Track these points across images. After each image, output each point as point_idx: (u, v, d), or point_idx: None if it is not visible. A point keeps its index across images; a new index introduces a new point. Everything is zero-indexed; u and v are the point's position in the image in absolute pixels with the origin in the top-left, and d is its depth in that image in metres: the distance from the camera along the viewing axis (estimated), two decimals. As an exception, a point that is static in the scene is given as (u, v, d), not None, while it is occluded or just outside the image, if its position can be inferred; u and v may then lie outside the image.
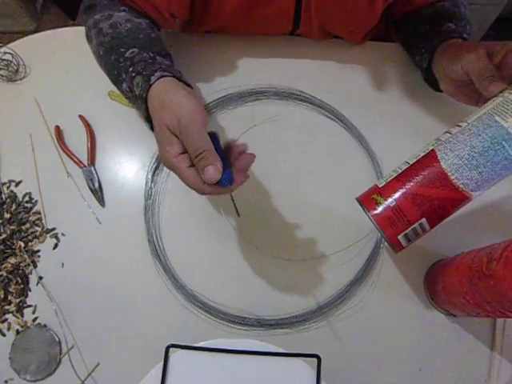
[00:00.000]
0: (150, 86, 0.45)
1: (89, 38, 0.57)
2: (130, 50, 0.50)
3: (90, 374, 0.49)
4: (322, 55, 0.66)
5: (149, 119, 0.47)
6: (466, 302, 0.43)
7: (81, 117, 0.61)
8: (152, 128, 0.46)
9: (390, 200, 0.40)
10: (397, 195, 0.40)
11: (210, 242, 0.55)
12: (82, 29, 0.69)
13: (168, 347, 0.46)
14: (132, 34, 0.52)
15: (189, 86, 0.48)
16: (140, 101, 0.47)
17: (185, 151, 0.41)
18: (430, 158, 0.40)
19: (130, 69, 0.48)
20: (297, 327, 0.51)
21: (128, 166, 0.59)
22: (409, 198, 0.39)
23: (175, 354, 0.46)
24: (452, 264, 0.48)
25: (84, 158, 0.59)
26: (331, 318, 0.51)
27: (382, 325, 0.51)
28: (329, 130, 0.61)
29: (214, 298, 0.52)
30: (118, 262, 0.54)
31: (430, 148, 0.41)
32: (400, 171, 0.41)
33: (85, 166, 0.58)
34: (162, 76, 0.45)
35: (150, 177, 0.58)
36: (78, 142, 0.60)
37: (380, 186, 0.41)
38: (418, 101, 0.63)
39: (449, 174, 0.39)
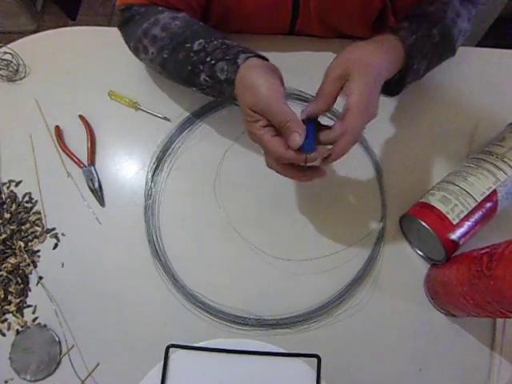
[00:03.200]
0: (238, 67, 0.46)
1: (140, 49, 0.56)
2: (197, 42, 0.50)
3: (90, 374, 0.49)
4: (322, 55, 0.66)
5: (235, 98, 0.48)
6: (466, 302, 0.43)
7: (81, 117, 0.61)
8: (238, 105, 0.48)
9: (461, 239, 0.49)
10: (466, 235, 0.49)
11: (210, 242, 0.55)
12: (81, 29, 0.70)
13: (168, 347, 0.46)
14: (186, 28, 0.52)
15: (267, 61, 0.49)
16: (226, 84, 0.48)
17: (269, 124, 0.44)
18: (491, 198, 0.49)
19: (207, 58, 0.49)
20: (297, 327, 0.51)
21: (128, 166, 0.59)
22: (471, 233, 0.49)
23: (175, 354, 0.46)
24: (452, 264, 0.48)
25: (84, 158, 0.59)
26: (331, 317, 0.51)
27: (382, 325, 0.51)
28: (329, 130, 0.61)
29: (214, 298, 0.52)
30: (118, 261, 0.54)
31: (493, 188, 0.49)
32: (469, 209, 0.49)
33: (85, 166, 0.58)
34: (248, 57, 0.47)
35: (150, 177, 0.58)
36: (78, 142, 0.60)
37: (454, 222, 0.48)
38: (418, 101, 0.63)
39: (498, 211, 0.50)
